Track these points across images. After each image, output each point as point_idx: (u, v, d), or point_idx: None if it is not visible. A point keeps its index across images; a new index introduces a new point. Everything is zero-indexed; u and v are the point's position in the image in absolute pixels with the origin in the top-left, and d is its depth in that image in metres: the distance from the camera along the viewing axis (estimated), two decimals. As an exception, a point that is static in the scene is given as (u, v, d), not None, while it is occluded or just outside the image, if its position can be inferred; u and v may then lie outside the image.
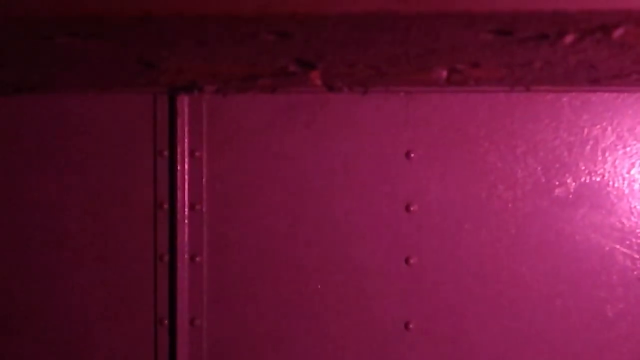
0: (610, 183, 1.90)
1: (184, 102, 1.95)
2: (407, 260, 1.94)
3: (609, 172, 1.90)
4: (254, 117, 1.95)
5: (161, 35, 1.20)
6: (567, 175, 1.91)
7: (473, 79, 1.64)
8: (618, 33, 1.09)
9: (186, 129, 1.96)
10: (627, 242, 1.91)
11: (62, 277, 1.99)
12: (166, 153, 1.97)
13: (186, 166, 1.97)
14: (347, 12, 1.10)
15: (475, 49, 1.27)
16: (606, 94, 1.87)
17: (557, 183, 1.91)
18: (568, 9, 1.00)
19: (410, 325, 1.94)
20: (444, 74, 1.54)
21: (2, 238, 2.00)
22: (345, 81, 1.73)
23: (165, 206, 1.97)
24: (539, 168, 1.91)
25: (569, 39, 1.15)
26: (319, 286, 1.95)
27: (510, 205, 1.92)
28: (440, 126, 1.92)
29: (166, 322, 1.98)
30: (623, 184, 1.90)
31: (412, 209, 1.93)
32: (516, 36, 1.16)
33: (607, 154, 1.90)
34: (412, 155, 1.93)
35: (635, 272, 1.93)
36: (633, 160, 1.90)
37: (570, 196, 1.91)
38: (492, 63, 1.43)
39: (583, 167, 1.91)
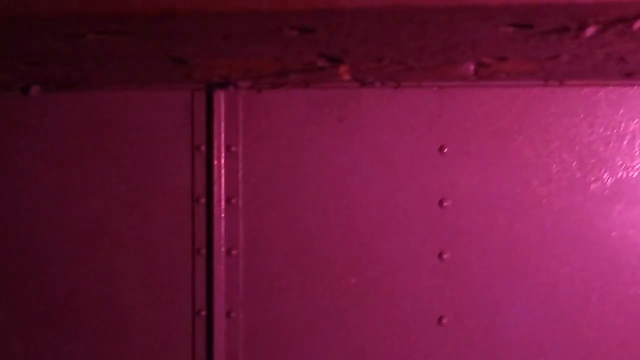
0: (649, 178, 1.87)
1: (220, 98, 2.00)
2: (440, 255, 1.94)
3: (647, 167, 1.87)
4: (288, 112, 1.98)
5: (186, 31, 1.23)
6: (603, 170, 1.88)
7: (503, 72, 1.63)
8: (638, 25, 1.08)
9: (222, 124, 2.00)
10: (667, 239, 1.88)
11: (102, 270, 2.06)
12: (203, 148, 2.01)
13: (222, 161, 2.01)
14: (367, 6, 1.12)
15: (497, 43, 1.27)
16: (641, 88, 1.84)
17: (592, 178, 1.89)
18: (583, 1, 0.99)
19: (444, 320, 1.94)
20: (472, 67, 1.54)
21: (44, 232, 2.07)
22: (375, 76, 1.75)
23: (203, 200, 2.02)
24: (574, 163, 1.89)
25: (590, 31, 1.14)
26: (353, 280, 1.97)
27: (544, 200, 1.90)
28: (473, 121, 1.92)
29: (203, 313, 2.03)
30: (662, 179, 1.87)
31: (445, 204, 1.93)
32: (536, 29, 1.16)
33: (645, 149, 1.87)
34: (445, 150, 1.93)
35: (675, 270, 1.89)
36: (673, 155, 1.86)
37: (606, 192, 1.88)
38: (519, 56, 1.42)
39: (619, 162, 1.87)
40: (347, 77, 1.65)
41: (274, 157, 1.99)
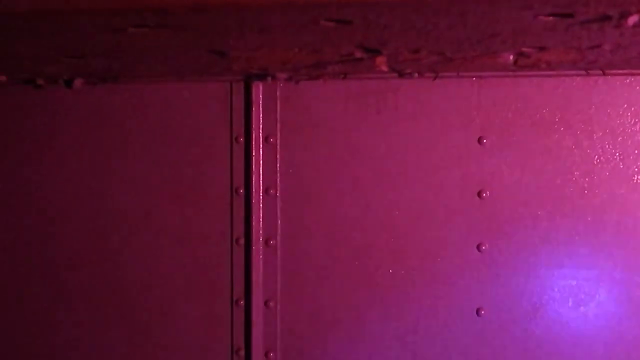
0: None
1: (258, 90, 2.01)
2: (479, 247, 1.93)
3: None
4: (326, 104, 1.98)
5: (224, 24, 1.24)
6: (645, 160, 1.85)
7: (543, 62, 1.61)
8: (683, 13, 1.05)
9: (260, 116, 2.01)
10: None
11: (145, 258, 2.09)
12: (242, 139, 2.03)
13: (261, 152, 2.02)
14: (404, -3, 1.11)
15: (537, 32, 1.25)
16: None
17: (636, 169, 1.85)
18: (625, -11, 0.97)
19: (482, 312, 1.93)
20: (511, 58, 1.52)
21: (88, 222, 2.12)
22: (412, 67, 1.74)
23: (241, 191, 2.03)
24: (617, 154, 1.85)
25: (632, 20, 1.11)
26: (390, 271, 1.97)
27: (586, 192, 1.88)
28: (513, 111, 1.89)
29: (242, 302, 2.05)
30: None
31: (484, 195, 1.92)
32: (577, 18, 1.14)
33: (691, 140, 1.82)
34: (485, 141, 1.91)
35: None
36: None
37: (650, 183, 1.85)
38: (559, 46, 1.40)
39: (665, 153, 1.84)
40: (384, 68, 1.65)
41: (312, 148, 2.00)
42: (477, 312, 1.94)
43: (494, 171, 1.91)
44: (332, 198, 1.99)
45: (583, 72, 1.81)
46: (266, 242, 2.03)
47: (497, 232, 1.92)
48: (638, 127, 1.84)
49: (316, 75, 1.89)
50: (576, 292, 1.89)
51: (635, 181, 1.85)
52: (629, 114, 1.84)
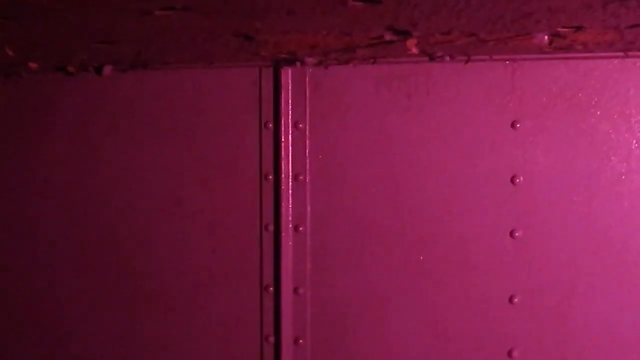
0: None
1: (287, 75, 1.99)
2: (512, 233, 1.89)
3: None
4: (355, 89, 1.95)
5: (251, 7, 1.22)
6: (687, 146, 1.79)
7: (579, 43, 1.56)
8: None
9: (290, 101, 2.00)
10: None
11: (176, 244, 2.10)
12: (271, 125, 2.02)
13: (290, 137, 2.01)
14: (435, -24, 1.08)
15: (573, 11, 1.21)
16: None
17: (677, 154, 1.80)
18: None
19: (515, 299, 1.89)
20: (546, 38, 1.48)
21: (120, 208, 2.13)
22: (444, 49, 1.70)
23: (271, 177, 2.02)
24: (648, 140, 1.80)
25: (674, -4, 1.07)
26: (421, 257, 1.94)
27: (623, 177, 1.82)
28: (547, 95, 1.85)
29: (271, 289, 2.04)
30: None
31: (518, 180, 1.88)
32: (616, -5, 1.10)
33: None
34: (519, 125, 1.87)
35: None
36: None
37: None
38: (597, 26, 1.35)
39: None
40: (415, 50, 1.61)
41: (342, 134, 1.98)
42: (510, 300, 1.90)
43: (528, 156, 1.87)
44: (362, 184, 1.97)
45: (621, 53, 1.76)
46: (295, 228, 2.02)
47: (531, 219, 1.88)
48: (675, 111, 1.79)
49: (345, 59, 1.87)
50: (613, 279, 1.84)
51: (675, 166, 1.80)
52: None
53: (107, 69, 2.06)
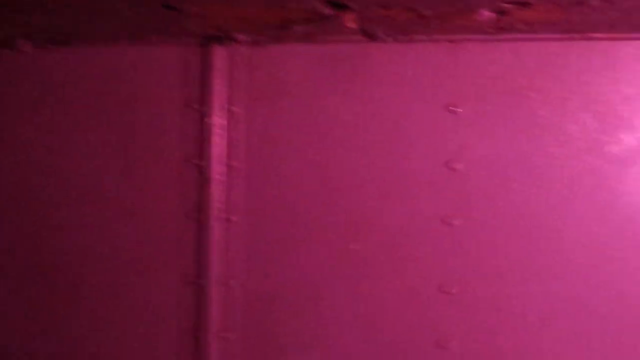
0: (672, 140, 1.76)
1: (219, 54, 1.88)
2: (446, 220, 1.84)
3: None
4: (292, 69, 1.86)
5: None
6: (622, 131, 1.77)
7: (523, 22, 1.51)
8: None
9: (221, 82, 1.89)
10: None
11: (95, 231, 1.96)
12: (199, 106, 1.90)
13: (221, 121, 1.90)
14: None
15: (521, -17, 1.15)
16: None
17: (612, 139, 1.78)
18: None
19: (448, 289, 1.84)
20: (490, 15, 1.42)
21: (33, 191, 1.97)
22: (383, 25, 1.63)
23: (197, 162, 1.91)
24: (593, 123, 1.78)
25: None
26: (356, 246, 1.87)
27: (561, 162, 1.80)
28: (487, 78, 1.80)
29: (197, 281, 1.93)
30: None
31: (454, 166, 1.83)
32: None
33: (668, 109, 1.75)
34: (457, 109, 1.82)
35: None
36: (698, 116, 1.74)
37: (625, 154, 1.77)
38: (542, 2, 1.30)
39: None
40: (353, 25, 1.53)
41: (277, 117, 1.88)
42: (443, 289, 1.85)
43: (466, 141, 1.82)
44: (297, 170, 1.88)
45: (562, 34, 1.72)
46: (227, 218, 1.91)
47: (467, 206, 1.83)
48: (615, 96, 1.76)
49: (280, 36, 1.77)
50: (549, 267, 1.81)
51: (609, 152, 1.78)
52: (607, 81, 1.76)
53: (25, 45, 1.91)
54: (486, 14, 1.40)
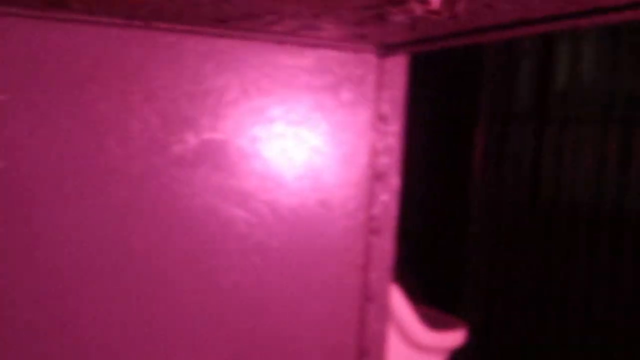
0: (233, 141, 1.73)
1: None
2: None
3: (232, 129, 1.72)
4: None
5: None
6: (187, 130, 1.67)
7: (78, 1, 1.29)
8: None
9: None
10: (247, 206, 1.77)
11: None
12: None
13: None
14: None
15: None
16: (235, 41, 1.68)
17: (176, 139, 1.66)
18: None
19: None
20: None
21: None
22: None
23: None
24: (157, 121, 1.64)
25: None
26: None
27: (121, 163, 1.62)
28: (35, 64, 1.52)
29: None
30: (245, 142, 1.74)
31: (-4, 166, 1.50)
32: None
33: (230, 109, 1.71)
34: (-3, 98, 1.49)
35: (252, 238, 1.79)
36: (256, 117, 1.74)
37: (190, 155, 1.68)
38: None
39: (205, 123, 1.69)
40: None
41: None
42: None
43: (9, 137, 1.51)
44: None
45: (124, 20, 1.54)
46: None
47: (11, 212, 1.53)
48: (178, 92, 1.65)
49: None
50: (104, 276, 1.63)
51: (174, 152, 1.67)
52: (170, 76, 1.64)
53: None
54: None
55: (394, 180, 1.90)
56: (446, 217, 5.18)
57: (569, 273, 4.47)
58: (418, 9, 1.13)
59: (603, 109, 4.41)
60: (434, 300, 4.09)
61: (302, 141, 1.80)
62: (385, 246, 1.91)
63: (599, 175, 4.33)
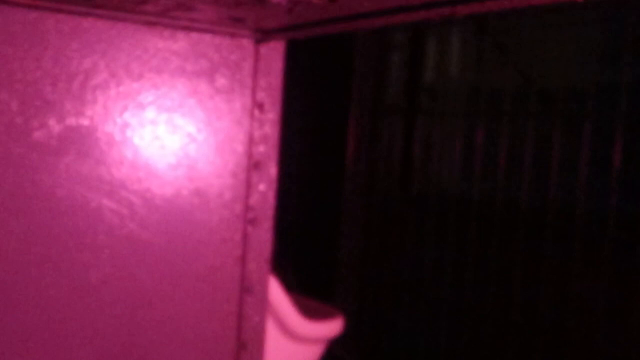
0: (101, 127, 1.62)
1: None
2: None
3: (100, 114, 1.62)
4: None
5: None
6: (49, 115, 1.55)
7: None
8: None
9: None
10: (117, 197, 1.67)
11: None
12: None
13: None
14: None
15: None
16: (102, 21, 1.57)
17: (37, 125, 1.54)
18: None
19: None
20: None
21: None
22: None
23: None
24: (16, 105, 1.51)
25: None
26: None
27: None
28: None
29: None
30: (114, 129, 1.64)
31: None
32: None
33: (97, 93, 1.61)
34: None
35: (123, 231, 1.69)
36: (126, 103, 1.65)
37: (54, 141, 1.56)
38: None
39: (69, 107, 1.57)
40: None
41: None
42: None
43: None
44: None
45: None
46: None
47: None
48: (40, 74, 1.53)
49: None
50: None
51: (35, 139, 1.54)
52: (31, 56, 1.51)
53: None
54: None
55: (272, 170, 1.86)
56: (320, 206, 5.22)
57: (438, 260, 4.62)
58: (298, -10, 1.09)
59: (469, 102, 4.59)
60: (310, 290, 4.11)
61: (176, 128, 1.73)
62: (263, 237, 1.87)
63: (466, 166, 4.50)
